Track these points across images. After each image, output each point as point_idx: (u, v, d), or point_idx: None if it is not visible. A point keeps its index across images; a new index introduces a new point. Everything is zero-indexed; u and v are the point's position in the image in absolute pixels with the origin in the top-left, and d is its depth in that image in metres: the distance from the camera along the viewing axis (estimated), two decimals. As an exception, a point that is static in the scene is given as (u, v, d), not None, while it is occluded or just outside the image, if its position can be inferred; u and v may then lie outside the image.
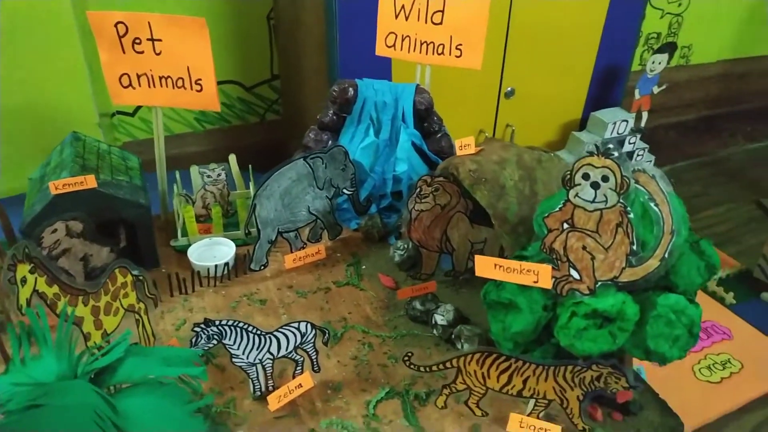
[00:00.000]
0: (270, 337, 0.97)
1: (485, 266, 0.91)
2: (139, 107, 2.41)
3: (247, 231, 1.36)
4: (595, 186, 0.86)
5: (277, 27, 2.55)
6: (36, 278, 0.84)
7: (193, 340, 0.91)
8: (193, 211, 1.38)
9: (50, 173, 1.25)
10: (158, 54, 1.30)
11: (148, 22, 1.27)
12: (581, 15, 2.48)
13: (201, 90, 1.33)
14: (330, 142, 1.48)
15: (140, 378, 0.71)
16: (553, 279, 0.90)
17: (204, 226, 1.41)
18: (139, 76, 1.33)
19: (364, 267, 1.38)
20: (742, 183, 3.34)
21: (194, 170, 1.49)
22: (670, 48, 2.80)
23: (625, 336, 0.88)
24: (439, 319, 1.16)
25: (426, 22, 1.49)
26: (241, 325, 0.94)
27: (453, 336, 1.14)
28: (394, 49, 1.55)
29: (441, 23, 1.47)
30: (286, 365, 1.06)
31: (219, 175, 1.45)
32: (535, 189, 1.15)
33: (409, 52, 1.53)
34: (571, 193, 0.88)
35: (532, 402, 0.97)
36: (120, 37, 1.27)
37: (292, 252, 1.36)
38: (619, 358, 0.94)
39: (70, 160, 1.24)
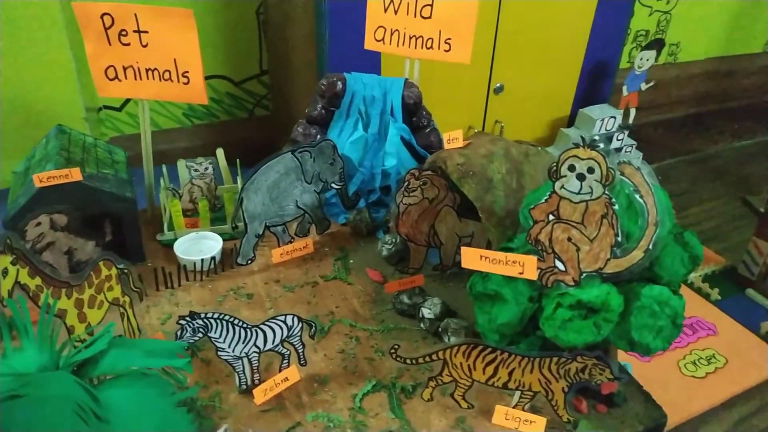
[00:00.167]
0: (256, 331, 0.97)
1: (471, 258, 0.92)
2: (126, 102, 2.39)
3: (234, 225, 1.35)
4: (580, 177, 0.87)
5: (266, 22, 2.54)
6: (18, 270, 0.83)
7: (179, 333, 0.90)
8: (180, 205, 1.37)
9: (35, 166, 1.24)
10: (145, 46, 1.29)
11: (135, 14, 1.26)
12: (570, 12, 2.49)
13: (188, 83, 1.32)
14: (318, 136, 1.47)
15: (123, 369, 0.70)
16: (539, 270, 0.90)
17: (191, 220, 1.41)
18: (125, 69, 1.32)
19: (351, 261, 1.38)
20: (729, 180, 3.37)
21: (181, 164, 1.48)
22: (657, 45, 2.82)
23: (609, 327, 0.88)
24: (426, 312, 1.16)
25: (415, 16, 1.49)
26: (226, 318, 0.94)
27: (440, 329, 1.14)
28: (383, 43, 1.55)
29: (430, 17, 1.47)
30: (272, 359, 1.06)
31: (206, 169, 1.44)
32: (523, 182, 1.16)
33: (398, 46, 1.53)
34: (557, 184, 0.89)
35: (517, 394, 0.98)
36: (106, 29, 1.26)
37: (279, 246, 1.35)
38: (604, 349, 0.95)
39: (54, 152, 1.23)
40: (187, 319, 0.90)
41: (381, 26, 1.54)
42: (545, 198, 0.90)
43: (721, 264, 2.54)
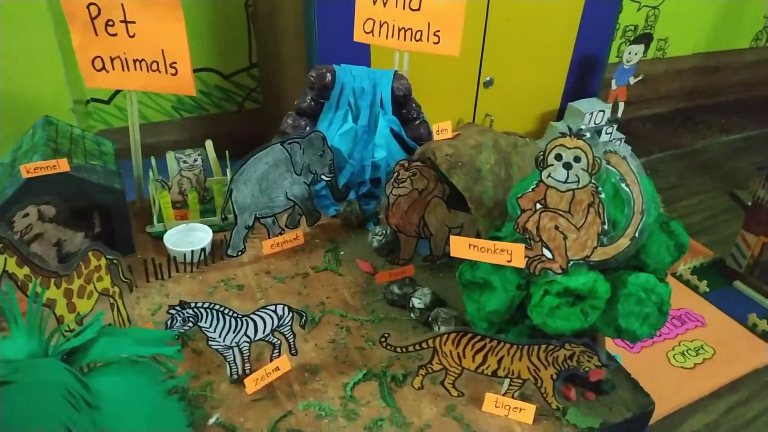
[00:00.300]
0: (246, 320, 0.97)
1: (460, 246, 0.92)
2: (114, 95, 2.37)
3: (223, 216, 1.35)
4: (567, 166, 0.88)
5: (254, 14, 2.53)
6: (6, 259, 0.82)
7: (169, 323, 0.90)
8: (169, 197, 1.37)
9: (21, 157, 1.23)
10: (132, 36, 1.28)
11: (122, 4, 1.25)
12: (559, 6, 2.51)
13: (176, 74, 1.32)
14: (308, 128, 1.47)
15: (113, 357, 0.70)
16: (526, 258, 0.91)
17: (180, 212, 1.40)
18: (112, 59, 1.31)
19: (342, 253, 1.38)
20: (717, 174, 3.40)
21: (170, 156, 1.48)
22: (645, 39, 2.84)
23: (596, 314, 0.89)
24: (417, 302, 1.17)
25: (404, 8, 1.49)
26: (217, 307, 0.94)
27: (430, 319, 1.15)
28: (372, 35, 1.55)
29: (419, 9, 1.47)
30: (263, 349, 1.06)
31: (195, 160, 1.43)
32: (511, 173, 1.17)
33: (387, 38, 1.53)
34: (544, 173, 0.89)
35: (507, 382, 0.99)
36: (92, 19, 1.25)
37: (270, 238, 1.35)
38: (592, 337, 0.96)
39: (41, 143, 1.22)
40: (177, 308, 0.90)
41: (370, 18, 1.54)
42: (532, 187, 0.91)
43: (709, 257, 2.57)
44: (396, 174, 1.24)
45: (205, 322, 0.93)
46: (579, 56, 2.70)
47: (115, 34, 1.28)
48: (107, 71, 1.32)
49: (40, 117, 1.36)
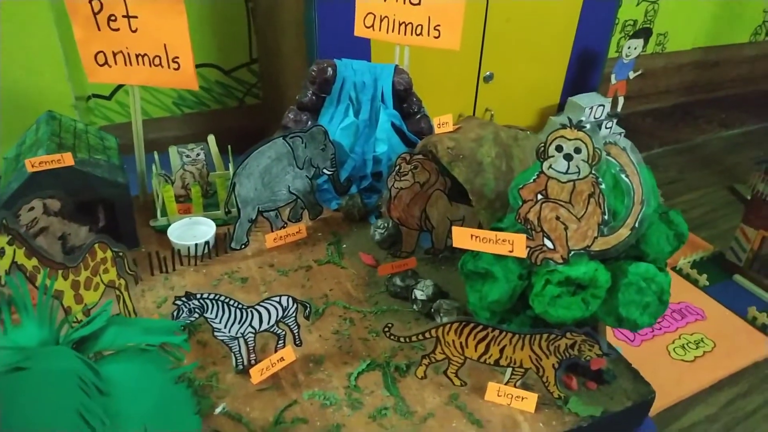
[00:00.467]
0: (252, 311, 0.98)
1: (462, 237, 0.94)
2: (115, 90, 2.38)
3: (227, 210, 1.36)
4: (568, 158, 0.89)
5: (255, 10, 2.53)
6: (15, 250, 0.83)
7: (175, 314, 0.92)
8: (173, 191, 1.37)
9: (26, 152, 1.24)
10: (134, 31, 1.29)
11: (124, -1, 1.26)
12: (558, 1, 2.51)
13: (178, 68, 1.33)
14: (309, 122, 1.48)
15: (122, 346, 0.71)
16: (528, 248, 0.92)
17: (183, 206, 1.41)
18: (115, 54, 1.32)
19: (344, 246, 1.39)
20: (717, 169, 3.41)
21: (173, 150, 1.49)
22: (645, 33, 2.85)
23: (597, 303, 0.91)
24: (419, 294, 1.18)
25: (404, 2, 1.49)
26: (222, 298, 0.95)
27: (432, 310, 1.16)
28: (373, 29, 1.55)
29: (419, 4, 1.48)
30: (267, 340, 1.07)
31: (198, 155, 1.44)
32: (512, 165, 1.18)
33: (387, 32, 1.54)
34: (545, 164, 0.90)
35: (509, 371, 1.00)
36: (94, 14, 1.26)
37: (272, 231, 1.36)
38: (593, 327, 0.97)
39: (46, 138, 1.23)
40: (183, 299, 0.91)
41: (370, 13, 1.54)
42: (533, 178, 0.92)
43: (709, 251, 2.58)
44: (398, 167, 1.25)
45: (211, 313, 0.94)
46: (578, 51, 2.70)
47: (118, 29, 1.29)
48: (110, 66, 1.33)
49: (42, 112, 1.37)
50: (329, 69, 1.45)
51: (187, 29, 1.28)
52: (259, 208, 1.31)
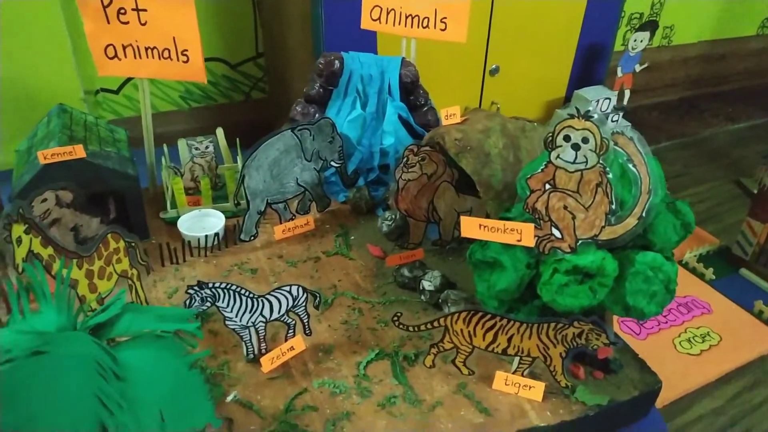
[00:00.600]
0: (262, 300, 0.99)
1: (471, 226, 0.94)
2: (123, 84, 2.39)
3: (236, 202, 1.37)
4: (575, 147, 0.89)
5: (261, 3, 2.54)
6: (31, 239, 0.85)
7: (187, 303, 0.93)
8: (182, 183, 1.39)
9: (38, 144, 1.25)
10: (143, 24, 1.30)
11: (134, -7, 1.27)
12: (565, -6, 2.51)
13: (187, 61, 1.34)
14: (317, 115, 1.49)
15: (137, 332, 0.72)
16: (536, 238, 0.93)
17: (192, 198, 1.43)
18: (124, 47, 1.32)
19: (352, 238, 1.40)
20: (723, 163, 3.39)
21: (182, 143, 1.50)
22: (651, 26, 2.84)
23: (604, 291, 0.91)
24: (427, 284, 1.19)
25: (411, -5, 1.50)
26: (234, 288, 0.96)
27: (440, 300, 1.17)
28: (380, 22, 1.56)
29: (426, -4, 1.48)
30: (278, 329, 1.08)
31: (207, 147, 1.46)
32: (519, 156, 1.18)
33: (394, 25, 1.54)
34: (553, 154, 0.91)
35: (516, 360, 1.01)
36: (104, 7, 1.27)
37: (281, 223, 1.38)
38: (600, 316, 0.98)
39: (57, 130, 1.24)
40: (196, 288, 0.92)
41: (377, 5, 1.55)
42: (541, 168, 0.92)
43: (715, 245, 2.58)
44: (405, 159, 1.25)
45: (223, 302, 0.95)
46: (584, 44, 2.70)
47: (127, 22, 1.30)
48: (119, 59, 1.34)
49: (52, 106, 1.38)
50: (336, 62, 1.45)
51: (196, 22, 1.29)
52: (267, 200, 1.32)
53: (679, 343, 2.09)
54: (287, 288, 1.02)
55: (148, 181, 1.49)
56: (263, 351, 1.03)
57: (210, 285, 0.93)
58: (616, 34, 2.80)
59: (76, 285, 0.92)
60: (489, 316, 0.95)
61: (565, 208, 0.91)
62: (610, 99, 2.77)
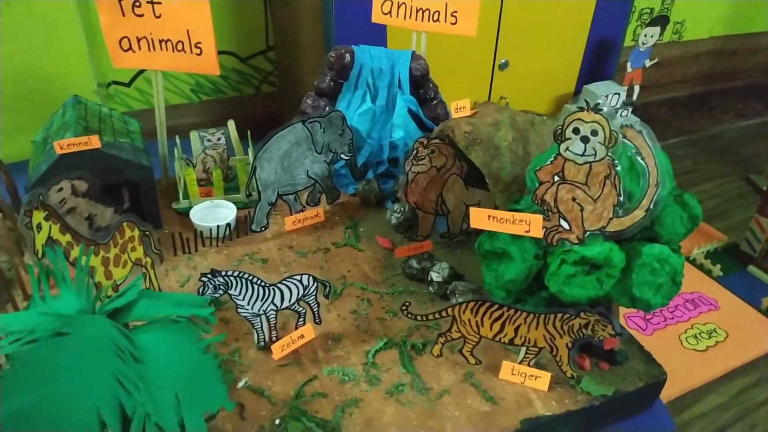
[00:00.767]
0: (274, 289, 1.01)
1: (479, 217, 0.96)
2: (135, 77, 2.42)
3: (248, 193, 1.39)
4: (584, 140, 0.90)
5: (272, -3, 2.56)
6: (50, 225, 0.87)
7: (200, 290, 0.95)
8: (195, 174, 1.41)
9: (54, 135, 1.27)
10: (158, 17, 1.32)
11: (148, -15, 1.29)
12: (575, -12, 2.50)
13: (201, 54, 1.36)
14: (327, 108, 1.50)
15: (153, 317, 0.74)
16: (544, 229, 0.94)
17: (204, 189, 1.45)
18: (139, 40, 1.34)
19: (361, 229, 1.42)
20: (732, 159, 3.38)
21: (194, 135, 1.52)
22: (661, 21, 2.83)
23: (611, 282, 0.92)
24: (435, 276, 1.20)
25: (422, -11, 1.51)
26: (246, 276, 0.98)
27: (448, 291, 1.18)
28: (390, 16, 1.57)
29: (436, -10, 1.49)
30: (288, 318, 1.10)
31: (219, 139, 1.47)
32: (529, 149, 1.19)
33: (405, 19, 1.55)
34: (562, 147, 0.92)
35: (523, 350, 1.02)
36: (120, 0, 1.29)
37: (291, 214, 1.39)
38: (606, 307, 0.99)
39: (73, 121, 1.26)
40: (209, 276, 0.94)
41: (388, -1, 1.56)
42: (551, 160, 0.94)
43: (723, 241, 2.58)
44: (415, 151, 1.27)
45: (235, 289, 0.97)
46: (594, 39, 2.70)
47: (142, 15, 1.32)
48: (134, 51, 1.36)
49: (66, 98, 1.40)
50: (347, 55, 1.47)
51: (209, 15, 1.30)
52: (278, 191, 1.34)
53: (686, 339, 2.10)
54: (298, 277, 1.04)
55: (160, 172, 1.51)
56: (274, 339, 1.05)
57: (223, 273, 0.95)
58: (626, 29, 2.79)
59: (92, 272, 0.94)
60: (496, 306, 0.96)
61: (574, 199, 0.92)
62: (619, 94, 2.77)
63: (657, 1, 3.49)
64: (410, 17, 1.55)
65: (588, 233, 0.93)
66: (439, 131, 1.28)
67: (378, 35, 1.98)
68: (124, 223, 1.02)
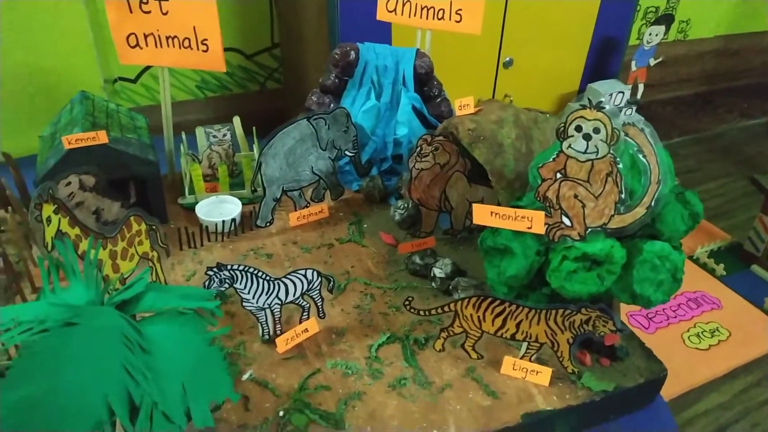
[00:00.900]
0: (278, 283, 1.03)
1: (482, 214, 0.97)
2: (140, 73, 2.43)
3: (253, 189, 1.40)
4: (587, 137, 0.91)
5: (277, -5, 2.57)
6: (60, 219, 0.88)
7: (206, 284, 0.96)
8: (200, 170, 1.42)
9: (61, 130, 1.29)
10: (165, 14, 1.33)
11: (155, -18, 1.30)
12: (580, -14, 2.51)
13: (207, 50, 1.37)
14: (332, 105, 1.52)
15: (160, 309, 0.76)
16: (546, 225, 0.95)
17: (210, 185, 1.46)
18: (146, 36, 1.36)
19: (365, 225, 1.43)
20: (737, 159, 3.38)
21: (200, 131, 1.53)
22: (666, 20, 2.83)
23: (612, 278, 0.93)
24: (438, 272, 1.21)
25: (427, -14, 1.51)
26: (251, 270, 0.99)
27: (450, 287, 1.19)
28: (395, 13, 1.58)
29: (441, -13, 1.50)
30: (292, 312, 1.11)
31: (224, 135, 1.49)
32: (532, 147, 1.20)
33: (409, 16, 1.56)
34: (564, 144, 0.93)
35: (524, 345, 1.03)
36: (128, -3, 1.30)
37: (296, 210, 1.41)
38: (608, 304, 1.00)
39: (80, 117, 1.28)
40: (215, 270, 0.96)
41: (393, -3, 1.57)
42: (553, 157, 0.94)
43: (727, 241, 2.57)
44: (419, 148, 1.28)
45: (240, 283, 0.98)
46: (599, 37, 2.70)
47: (149, 12, 1.33)
48: (141, 48, 1.38)
49: (73, 94, 1.42)
50: (352, 52, 1.48)
51: (216, 12, 1.32)
52: (283, 187, 1.35)
53: (688, 337, 2.10)
54: (302, 272, 1.05)
55: (166, 168, 1.53)
56: (278, 332, 1.06)
57: (229, 267, 0.96)
58: (631, 28, 2.79)
59: (100, 265, 0.95)
60: (498, 301, 0.98)
61: (576, 196, 0.93)
62: (623, 93, 2.77)
63: (662, 0, 3.48)
64: (415, 15, 1.55)
65: (589, 230, 0.94)
66: (442, 128, 1.29)
67: (383, 33, 1.98)
68: (132, 217, 1.03)
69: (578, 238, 0.94)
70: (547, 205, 0.96)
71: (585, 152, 0.92)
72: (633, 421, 1.08)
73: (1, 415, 0.60)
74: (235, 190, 1.47)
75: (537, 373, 1.02)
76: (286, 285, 1.03)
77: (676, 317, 2.19)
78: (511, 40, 2.47)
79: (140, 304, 0.75)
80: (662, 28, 2.80)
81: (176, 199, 1.45)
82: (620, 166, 0.91)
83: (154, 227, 1.09)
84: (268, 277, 1.01)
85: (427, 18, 1.54)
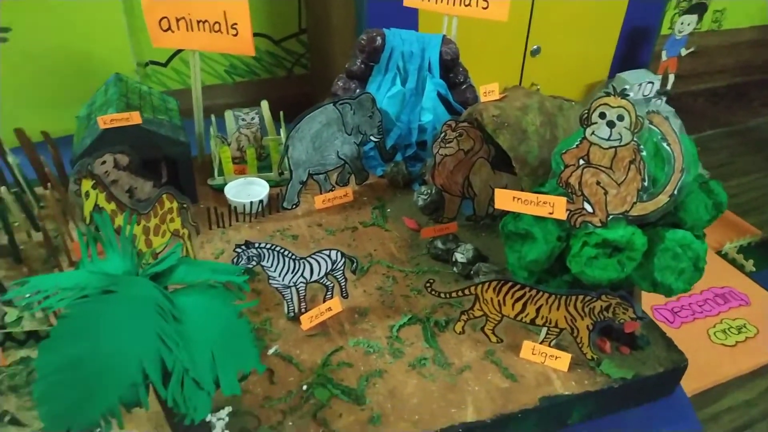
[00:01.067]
0: (304, 262, 1.06)
1: (504, 199, 0.98)
2: (171, 57, 2.48)
3: (280, 171, 1.43)
4: (610, 125, 0.92)
5: (305, -19, 2.59)
6: (97, 194, 0.92)
7: (234, 261, 0.99)
8: (230, 152, 1.45)
9: (97, 110, 1.33)
10: (196, -2, 1.36)
11: (188, -33, 1.33)
12: (611, -26, 2.46)
13: (236, 35, 1.40)
14: (358, 90, 1.53)
15: (192, 281, 0.79)
16: (568, 211, 0.96)
17: (238, 167, 1.49)
18: (177, 20, 1.39)
19: (389, 210, 1.45)
20: (770, 154, 3.30)
21: (228, 114, 1.57)
22: (699, 9, 2.76)
23: (632, 265, 0.94)
24: (459, 257, 1.22)
25: (454, -27, 1.51)
26: (278, 249, 1.02)
27: (472, 272, 1.21)
28: (422, 0, 1.58)
29: (469, -26, 1.50)
30: (316, 291, 1.14)
31: (253, 119, 1.52)
32: (556, 134, 1.20)
33: (436, 2, 1.56)
34: (588, 131, 0.93)
35: (544, 330, 1.04)
36: (160, -19, 1.33)
37: (321, 194, 1.43)
38: (629, 292, 1.00)
39: (115, 98, 1.32)
40: (243, 247, 0.99)
41: (421, -17, 1.57)
42: (576, 143, 0.95)
43: (757, 236, 2.52)
44: (443, 134, 1.29)
45: (267, 261, 1.01)
46: (629, 26, 2.65)
47: (181, -4, 1.36)
48: (172, 31, 1.41)
49: (107, 77, 1.46)
50: (378, 38, 1.49)
51: (245, -4, 1.34)
52: (309, 170, 1.38)
53: (714, 333, 2.07)
54: (327, 252, 1.08)
55: (196, 150, 1.57)
56: (303, 310, 1.09)
57: (256, 245, 1.00)
58: (663, 17, 2.74)
59: (134, 239, 0.99)
60: (519, 286, 0.99)
61: (598, 183, 0.94)
62: (653, 83, 2.72)
63: (697, -11, 3.40)
64: (442, 1, 1.56)
65: (611, 217, 0.94)
66: (467, 114, 1.30)
67: (410, 19, 1.99)
68: (164, 195, 1.07)
69: (599, 224, 0.95)
70: (570, 191, 0.96)
71: (608, 139, 0.92)
72: (652, 413, 1.08)
73: (42, 374, 0.65)
74: (262, 173, 1.50)
75: (556, 358, 1.03)
76: (311, 264, 1.06)
77: (702, 312, 2.17)
78: (539, 27, 2.45)
79: (172, 276, 0.79)
80: (695, 17, 2.74)
81: (206, 180, 1.49)
82: (644, 153, 0.91)
83: (185, 206, 1.13)
84: (293, 256, 1.04)
85: (454, 4, 1.54)
